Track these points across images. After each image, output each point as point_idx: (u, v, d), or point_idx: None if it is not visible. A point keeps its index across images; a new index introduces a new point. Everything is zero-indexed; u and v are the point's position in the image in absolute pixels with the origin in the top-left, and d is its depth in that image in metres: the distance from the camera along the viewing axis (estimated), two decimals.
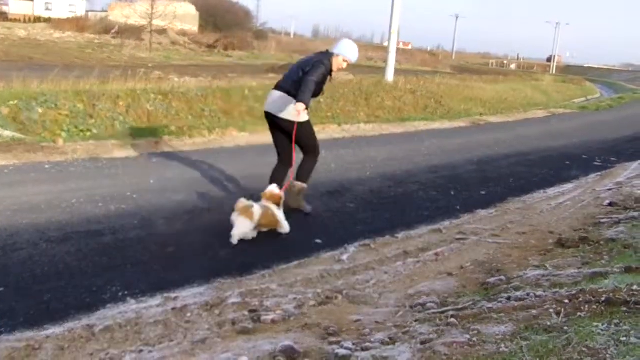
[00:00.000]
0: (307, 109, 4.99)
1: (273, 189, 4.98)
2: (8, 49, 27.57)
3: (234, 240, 4.68)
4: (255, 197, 5.01)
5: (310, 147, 5.49)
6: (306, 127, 5.34)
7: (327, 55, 5.33)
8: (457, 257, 4.74)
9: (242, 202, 4.75)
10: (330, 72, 5.30)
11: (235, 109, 11.29)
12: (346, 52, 5.37)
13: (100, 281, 3.87)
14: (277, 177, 5.41)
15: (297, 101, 4.92)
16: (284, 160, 5.47)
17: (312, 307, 3.58)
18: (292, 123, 5.19)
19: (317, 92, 5.22)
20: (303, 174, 5.52)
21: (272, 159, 5.57)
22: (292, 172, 5.44)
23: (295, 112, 4.96)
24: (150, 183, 6.42)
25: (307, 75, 5.03)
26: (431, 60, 70.16)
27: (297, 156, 5.44)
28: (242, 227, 4.69)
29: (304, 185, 5.49)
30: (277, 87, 5.35)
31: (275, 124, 5.36)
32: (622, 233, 5.02)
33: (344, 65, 5.38)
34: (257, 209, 4.74)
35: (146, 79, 12.06)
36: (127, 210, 5.39)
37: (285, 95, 5.21)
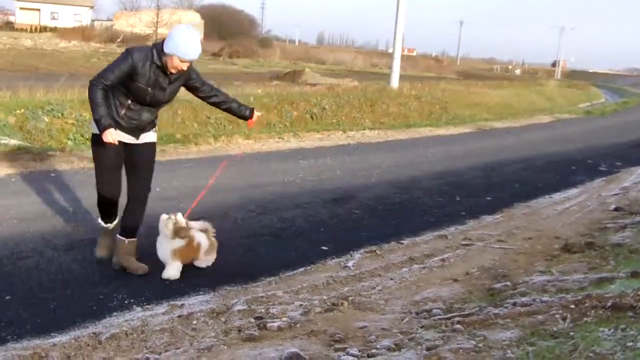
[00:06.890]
0: None
1: None
2: (14, 59, 27.74)
3: None
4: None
5: None
6: None
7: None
8: (462, 263, 4.73)
9: None
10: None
11: None
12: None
13: (106, 289, 3.89)
14: None
15: None
16: None
17: (318, 313, 3.58)
18: None
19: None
20: None
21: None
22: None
23: None
24: (156, 191, 6.42)
25: None
26: (436, 66, 70.16)
27: None
28: None
29: None
30: None
31: None
32: (628, 238, 5.01)
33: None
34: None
35: None
36: None
37: None
